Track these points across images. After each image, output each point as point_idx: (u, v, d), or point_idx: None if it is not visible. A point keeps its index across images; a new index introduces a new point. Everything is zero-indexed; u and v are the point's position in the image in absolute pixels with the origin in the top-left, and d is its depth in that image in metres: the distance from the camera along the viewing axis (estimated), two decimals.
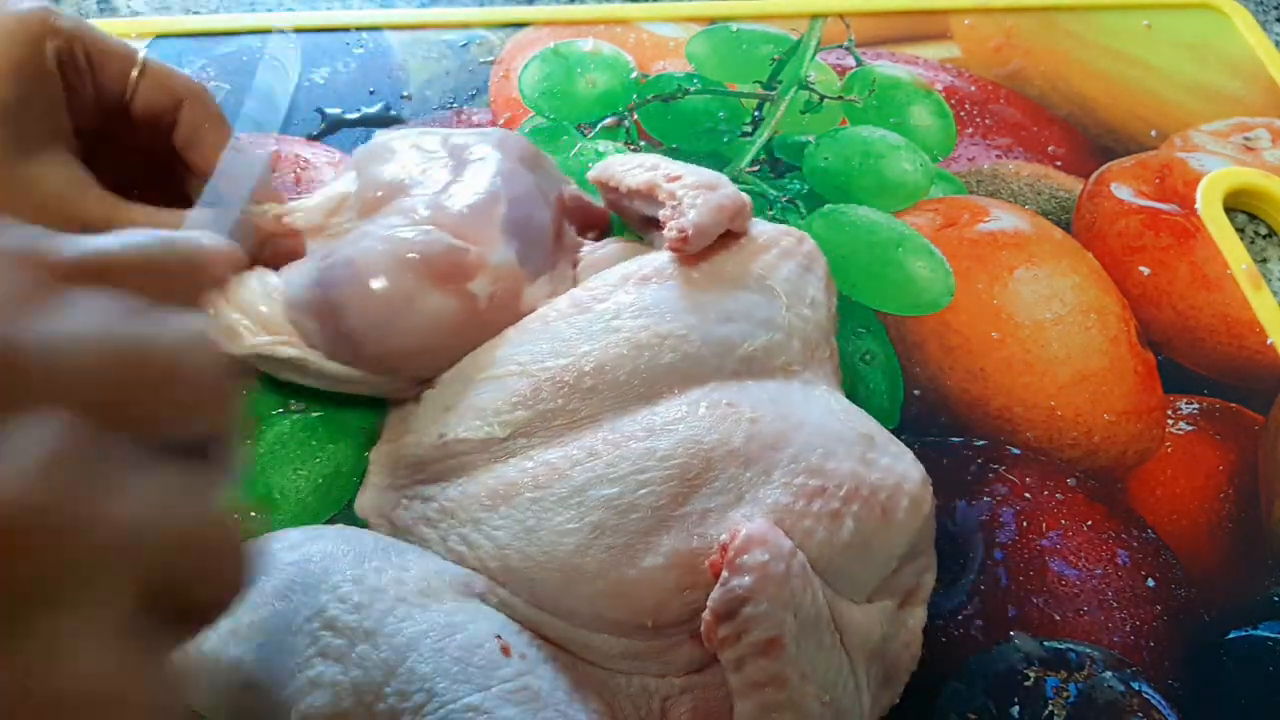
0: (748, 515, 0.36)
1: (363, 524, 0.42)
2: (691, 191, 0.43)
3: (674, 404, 0.39)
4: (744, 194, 0.44)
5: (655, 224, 0.45)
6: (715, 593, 0.34)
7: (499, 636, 0.35)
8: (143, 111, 0.43)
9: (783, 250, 0.44)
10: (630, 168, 0.47)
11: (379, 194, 0.44)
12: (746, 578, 0.34)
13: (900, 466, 0.39)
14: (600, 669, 0.37)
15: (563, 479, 0.38)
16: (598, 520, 0.37)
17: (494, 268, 0.42)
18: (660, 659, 0.37)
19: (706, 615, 0.35)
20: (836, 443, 0.38)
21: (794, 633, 0.34)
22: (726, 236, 0.44)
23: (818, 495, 0.37)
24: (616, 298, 0.42)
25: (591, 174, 0.49)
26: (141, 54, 0.43)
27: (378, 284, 0.40)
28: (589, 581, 0.36)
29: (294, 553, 0.37)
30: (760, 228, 0.45)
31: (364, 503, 0.43)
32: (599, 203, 0.51)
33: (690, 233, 0.42)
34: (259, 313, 0.42)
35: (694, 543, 0.36)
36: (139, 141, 0.44)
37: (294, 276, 0.42)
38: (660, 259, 0.43)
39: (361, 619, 0.34)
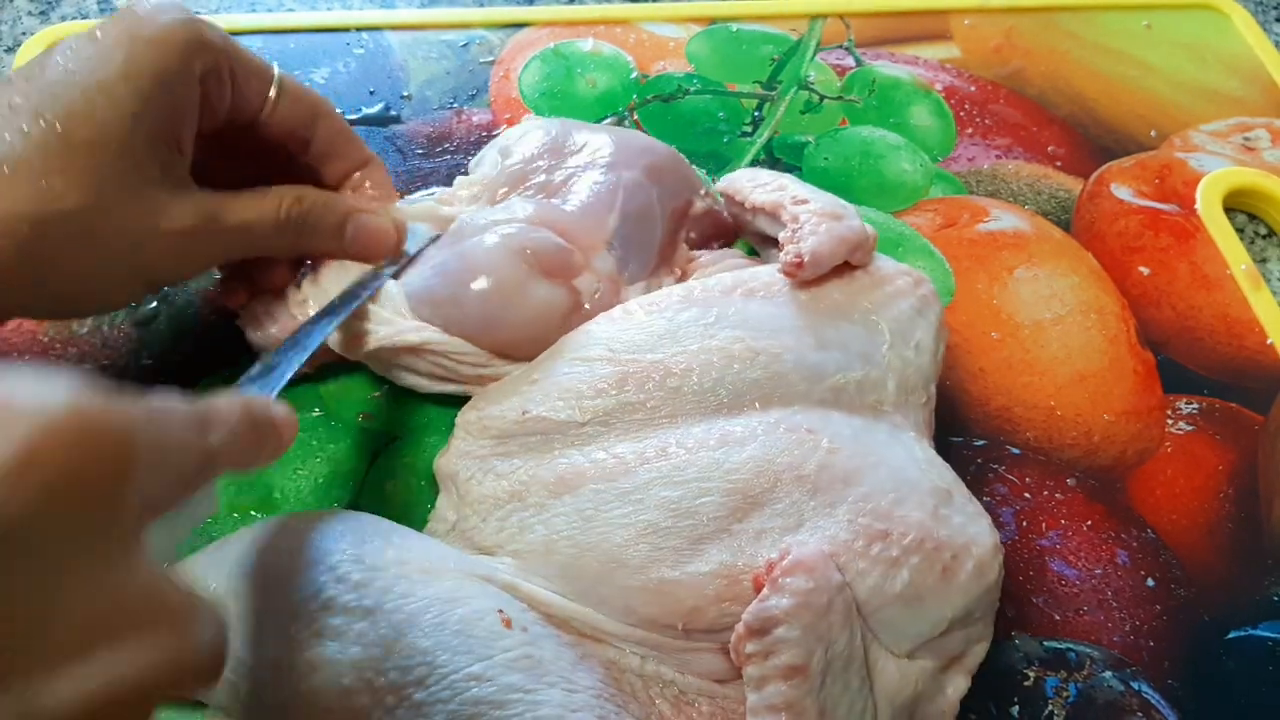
0: (803, 542, 0.36)
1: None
2: (815, 218, 0.43)
3: (754, 419, 0.39)
4: (869, 228, 0.44)
5: (774, 243, 0.45)
6: (752, 607, 0.34)
7: (500, 610, 0.35)
8: (279, 128, 0.43)
9: (897, 289, 0.44)
10: (758, 185, 0.47)
11: (506, 187, 0.47)
12: (785, 599, 0.34)
13: (973, 529, 0.38)
14: (610, 646, 0.38)
15: (629, 474, 0.38)
16: (652, 520, 0.37)
17: (595, 267, 0.44)
18: (678, 658, 0.37)
19: (739, 628, 0.35)
20: (910, 491, 0.38)
21: (821, 666, 0.34)
22: (843, 267, 0.44)
23: (879, 539, 0.36)
24: (721, 305, 0.42)
25: (720, 184, 0.50)
26: (276, 71, 0.43)
27: (492, 274, 0.42)
28: (629, 574, 0.37)
29: (289, 536, 0.37)
30: (880, 263, 0.45)
31: (443, 464, 0.43)
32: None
33: (806, 259, 0.42)
34: (382, 313, 0.43)
35: (743, 559, 0.36)
36: (255, 150, 0.44)
37: (413, 277, 0.44)
38: (771, 274, 0.43)
39: (360, 597, 0.35)
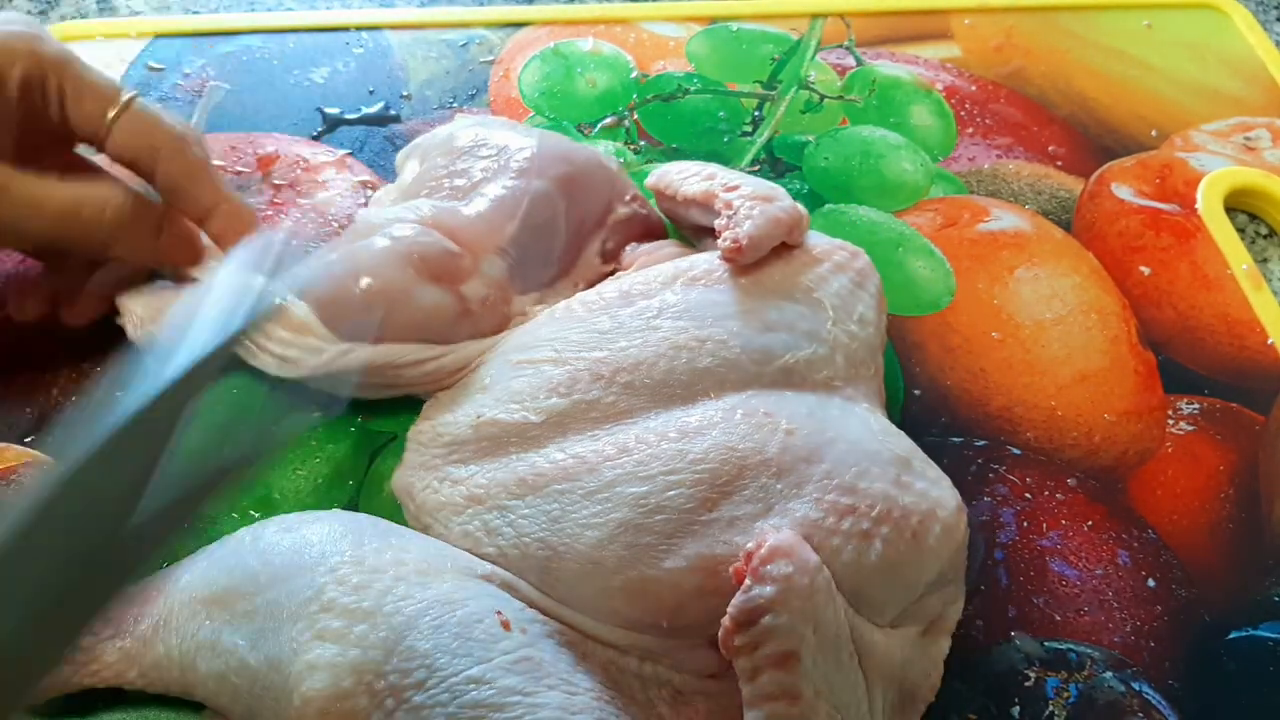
0: (776, 526, 0.36)
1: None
2: (748, 202, 0.43)
3: (710, 408, 0.39)
4: (800, 206, 0.44)
5: (710, 232, 0.45)
6: (736, 600, 0.34)
7: (499, 612, 0.35)
8: (116, 154, 0.43)
9: (835, 264, 0.44)
10: (687, 176, 0.47)
11: (422, 191, 0.47)
12: (769, 588, 0.34)
13: (935, 492, 0.39)
14: (609, 649, 0.37)
15: (592, 473, 0.38)
16: (623, 517, 0.37)
17: (484, 276, 0.44)
18: (673, 658, 0.37)
19: (726, 621, 0.34)
20: (871, 462, 0.38)
21: (811, 648, 0.34)
22: (780, 247, 0.44)
23: (848, 513, 0.37)
24: (662, 296, 0.42)
25: (649, 180, 0.50)
26: (126, 96, 0.42)
27: (376, 276, 0.42)
28: (607, 576, 0.37)
29: (289, 536, 0.37)
30: (814, 240, 0.45)
31: (397, 481, 0.43)
32: (659, 213, 0.51)
33: (744, 243, 0.42)
34: (307, 341, 0.42)
35: (719, 549, 0.36)
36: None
37: (301, 275, 0.43)
38: (711, 261, 0.44)
39: (360, 599, 0.35)
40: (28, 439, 0.45)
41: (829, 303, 0.43)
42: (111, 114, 0.42)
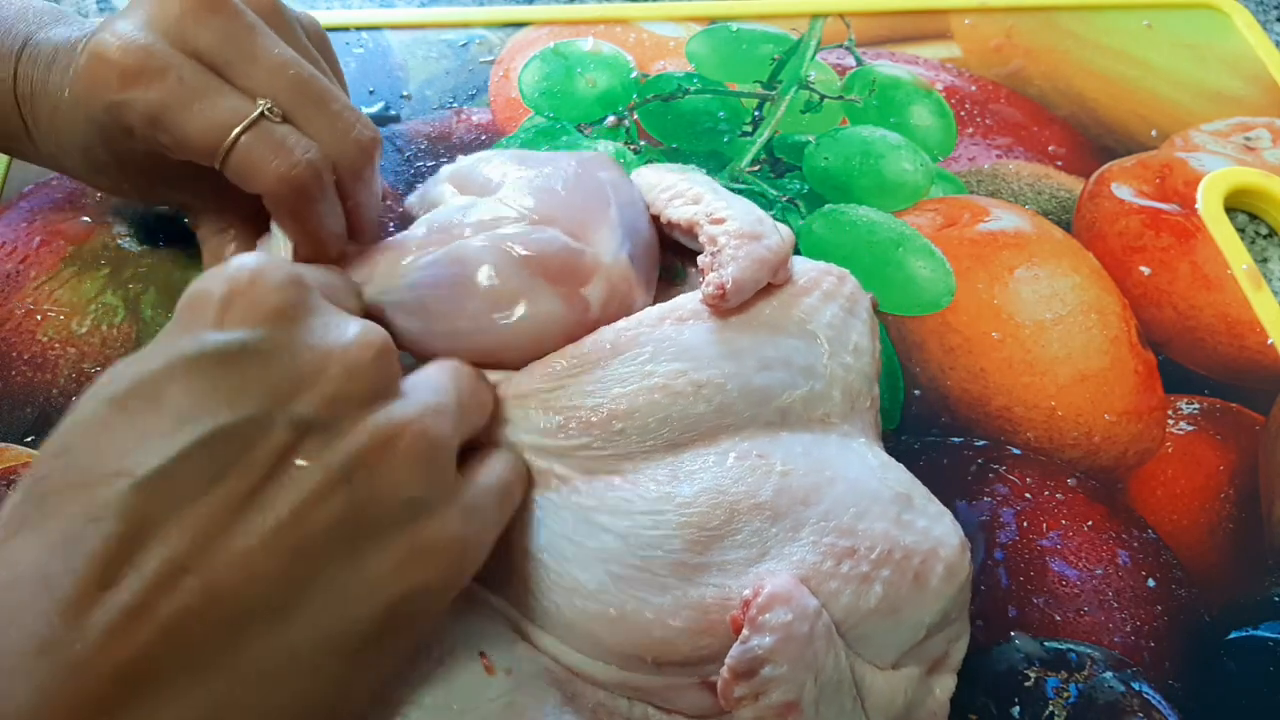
0: (772, 571, 0.35)
1: None
2: (734, 241, 0.41)
3: (702, 452, 0.37)
4: (788, 241, 0.42)
5: (689, 254, 0.44)
6: (734, 650, 0.33)
7: (483, 654, 0.35)
8: (233, 176, 0.39)
9: (825, 292, 0.42)
10: (672, 197, 0.44)
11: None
12: (768, 637, 0.33)
13: (937, 530, 0.37)
14: (598, 689, 0.36)
15: (575, 492, 0.36)
16: (604, 544, 0.35)
17: (608, 269, 0.40)
18: (663, 697, 0.36)
19: (724, 672, 0.34)
20: (871, 501, 0.37)
21: (813, 696, 0.33)
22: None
23: (847, 556, 0.35)
24: (655, 340, 0.39)
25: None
26: (253, 114, 0.38)
27: (484, 282, 0.38)
28: (588, 596, 0.35)
29: None
30: (801, 267, 0.42)
31: None
32: None
33: (728, 287, 0.39)
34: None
35: (709, 593, 0.35)
36: None
37: (383, 276, 0.39)
38: (696, 299, 0.41)
39: None
40: (28, 439, 0.45)
41: (823, 335, 0.41)
42: (234, 134, 0.38)
